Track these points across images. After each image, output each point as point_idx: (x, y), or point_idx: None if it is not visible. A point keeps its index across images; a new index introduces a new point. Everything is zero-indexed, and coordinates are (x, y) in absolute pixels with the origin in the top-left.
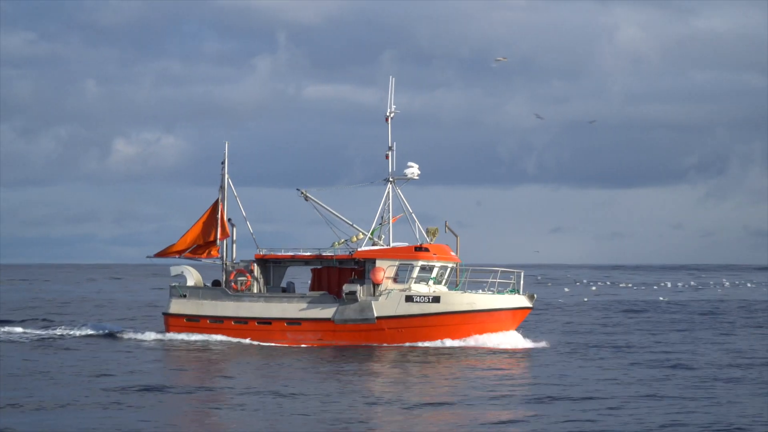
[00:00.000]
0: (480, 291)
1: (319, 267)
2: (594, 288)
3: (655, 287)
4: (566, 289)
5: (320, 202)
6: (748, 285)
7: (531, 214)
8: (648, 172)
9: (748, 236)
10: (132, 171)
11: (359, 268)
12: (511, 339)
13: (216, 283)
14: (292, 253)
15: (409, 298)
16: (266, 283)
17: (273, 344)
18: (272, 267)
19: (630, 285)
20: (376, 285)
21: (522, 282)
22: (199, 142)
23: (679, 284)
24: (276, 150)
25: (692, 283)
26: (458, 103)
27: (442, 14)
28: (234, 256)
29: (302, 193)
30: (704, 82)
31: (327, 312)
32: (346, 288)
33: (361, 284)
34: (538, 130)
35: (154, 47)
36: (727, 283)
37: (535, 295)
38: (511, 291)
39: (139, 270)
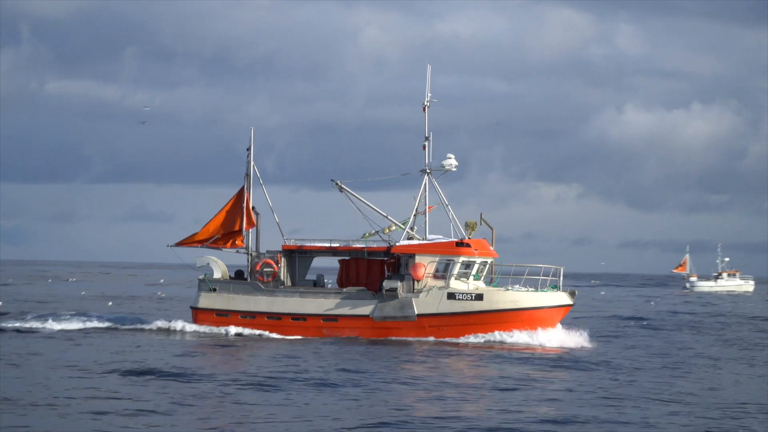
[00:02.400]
0: (520, 287)
1: (347, 258)
2: None
3: None
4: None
5: (355, 194)
6: None
7: (270, 214)
8: (389, 174)
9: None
10: None
11: (390, 260)
12: (557, 336)
13: (239, 274)
14: (323, 245)
15: (451, 296)
16: (291, 274)
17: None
18: (298, 258)
19: None
20: (415, 281)
21: (562, 278)
22: None
23: None
24: (21, 144)
25: None
26: (199, 101)
27: (184, 12)
28: (258, 246)
29: (337, 184)
30: (446, 87)
31: (365, 309)
32: (386, 284)
33: (401, 280)
34: (279, 129)
35: None
36: None
37: (576, 292)
38: (552, 287)
39: None
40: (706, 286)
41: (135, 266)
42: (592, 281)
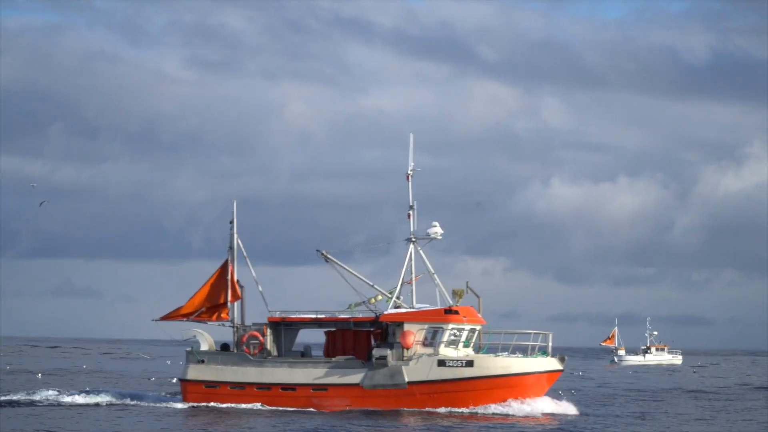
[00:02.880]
0: (507, 354)
1: (333, 330)
2: None
3: None
4: None
5: (341, 264)
6: None
7: (196, 289)
8: (313, 250)
9: None
10: None
11: (376, 330)
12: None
13: (225, 347)
14: (309, 316)
15: (441, 363)
16: (278, 346)
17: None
18: (284, 330)
19: None
20: (405, 349)
21: (551, 344)
22: None
23: None
24: None
25: None
26: (125, 177)
27: (109, 88)
28: (243, 318)
29: (323, 254)
30: (371, 160)
31: (355, 377)
32: (376, 353)
33: (390, 348)
34: (205, 205)
35: None
36: None
37: (566, 357)
38: (542, 353)
39: None
40: (634, 360)
41: (62, 341)
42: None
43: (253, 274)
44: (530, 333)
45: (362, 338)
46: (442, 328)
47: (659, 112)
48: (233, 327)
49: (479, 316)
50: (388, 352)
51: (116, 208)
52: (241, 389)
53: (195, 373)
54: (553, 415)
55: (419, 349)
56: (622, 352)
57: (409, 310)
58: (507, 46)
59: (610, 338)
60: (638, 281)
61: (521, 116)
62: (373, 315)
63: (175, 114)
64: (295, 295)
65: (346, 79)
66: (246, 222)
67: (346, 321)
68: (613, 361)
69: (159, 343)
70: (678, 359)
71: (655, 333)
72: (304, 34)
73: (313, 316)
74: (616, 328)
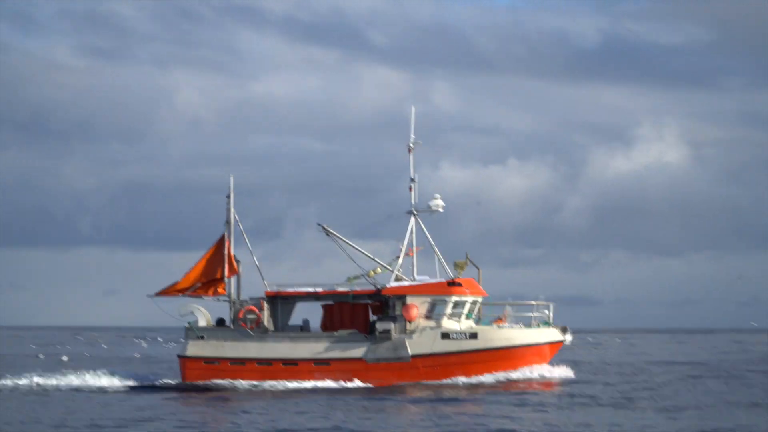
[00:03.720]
0: (509, 325)
1: (330, 303)
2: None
3: None
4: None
5: (342, 237)
6: None
7: (85, 276)
8: (204, 235)
9: None
10: None
11: (374, 303)
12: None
13: (221, 322)
14: (307, 290)
15: (445, 335)
16: (275, 320)
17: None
18: (280, 304)
19: None
20: (408, 322)
21: (552, 314)
22: None
23: None
24: None
25: None
26: (14, 164)
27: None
28: (239, 293)
29: (323, 228)
30: (262, 146)
31: (357, 351)
32: (380, 326)
33: (393, 321)
34: (94, 192)
35: None
36: None
37: (568, 328)
38: (544, 324)
39: None
40: None
41: None
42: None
43: (250, 248)
44: (532, 304)
45: (360, 312)
46: (444, 300)
47: (549, 95)
48: (230, 302)
49: (480, 287)
50: (392, 325)
51: (3, 195)
52: (242, 365)
53: (194, 349)
54: (554, 379)
55: (422, 322)
56: None
57: (410, 282)
58: (397, 30)
59: (501, 318)
60: (527, 262)
61: (411, 100)
62: (373, 288)
63: (65, 102)
64: None
65: (237, 66)
66: (136, 208)
67: (345, 294)
68: None
69: (49, 329)
70: (569, 338)
71: (547, 312)
72: (196, 22)
73: (311, 289)
74: (507, 308)
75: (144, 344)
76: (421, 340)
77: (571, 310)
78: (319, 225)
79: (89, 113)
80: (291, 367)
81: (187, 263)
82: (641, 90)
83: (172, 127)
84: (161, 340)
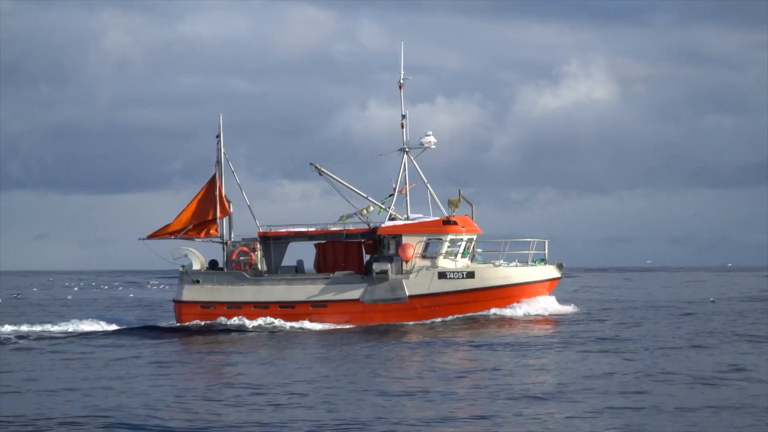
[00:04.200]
0: (503, 262)
1: (323, 242)
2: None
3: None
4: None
5: (334, 176)
6: None
7: (16, 220)
8: (134, 178)
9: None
10: None
11: (367, 242)
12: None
13: (213, 263)
14: (299, 229)
15: (441, 275)
16: (267, 261)
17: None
18: (273, 244)
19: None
20: (404, 262)
21: (547, 251)
22: None
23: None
24: None
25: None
26: None
27: None
28: (231, 234)
29: (316, 167)
30: (190, 87)
31: (355, 293)
32: (377, 267)
33: (390, 261)
34: (23, 135)
35: None
36: None
37: (564, 264)
38: (540, 261)
39: None
40: None
41: None
42: None
43: (241, 188)
44: (529, 241)
45: (353, 250)
46: (440, 239)
47: (477, 33)
48: (222, 243)
49: (475, 225)
50: (389, 266)
51: None
52: (238, 308)
53: (190, 294)
54: (554, 314)
55: (418, 262)
56: None
57: (405, 221)
58: None
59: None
60: None
61: (338, 40)
62: (367, 227)
63: None
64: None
65: (165, 6)
66: (65, 151)
67: (338, 234)
68: None
69: None
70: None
71: (479, 251)
72: None
73: (304, 229)
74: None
75: (76, 288)
76: (418, 281)
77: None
78: (311, 165)
79: (16, 55)
80: (288, 309)
81: (116, 206)
82: (568, 27)
83: (100, 69)
84: (93, 284)
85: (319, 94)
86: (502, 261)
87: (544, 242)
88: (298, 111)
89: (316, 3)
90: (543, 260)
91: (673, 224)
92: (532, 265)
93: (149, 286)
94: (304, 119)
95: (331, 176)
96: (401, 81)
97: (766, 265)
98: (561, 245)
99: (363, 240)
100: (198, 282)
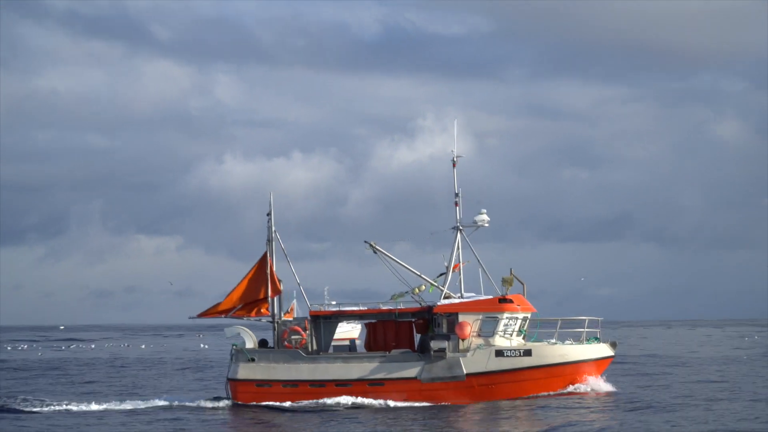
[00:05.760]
0: (556, 341)
1: (373, 321)
2: None
3: None
4: None
5: (389, 254)
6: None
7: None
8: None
9: (89, 296)
10: None
11: (417, 321)
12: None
13: (263, 343)
14: (351, 308)
15: (499, 353)
16: (318, 340)
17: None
18: (323, 323)
19: None
20: (461, 340)
21: (600, 330)
22: None
23: None
24: None
25: None
26: None
27: None
28: (281, 313)
29: (371, 245)
30: (44, 142)
31: (412, 371)
32: (434, 345)
33: (447, 339)
34: None
35: None
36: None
37: (617, 343)
38: (594, 339)
39: None
40: None
41: None
42: (199, 334)
43: (292, 268)
44: (583, 319)
45: (404, 329)
46: (497, 317)
47: (331, 87)
48: (273, 322)
49: (529, 303)
50: (446, 343)
51: None
52: (294, 387)
53: (245, 372)
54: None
55: (474, 340)
56: None
57: (460, 299)
58: (180, 24)
59: (289, 312)
60: (313, 256)
61: (194, 94)
62: (418, 305)
63: None
64: None
65: (19, 61)
66: None
67: (389, 313)
68: None
69: None
70: (357, 328)
71: (333, 303)
72: None
73: (356, 308)
74: (294, 301)
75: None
76: (475, 359)
77: (359, 300)
78: (366, 242)
79: None
80: (344, 388)
81: None
82: (423, 81)
83: None
84: None
85: (175, 148)
86: (555, 339)
87: (598, 320)
88: (154, 165)
89: (173, 58)
90: (597, 338)
91: (528, 280)
92: (586, 344)
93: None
94: (160, 174)
95: (385, 254)
96: (455, 159)
97: (615, 318)
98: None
99: (414, 319)
100: (253, 360)
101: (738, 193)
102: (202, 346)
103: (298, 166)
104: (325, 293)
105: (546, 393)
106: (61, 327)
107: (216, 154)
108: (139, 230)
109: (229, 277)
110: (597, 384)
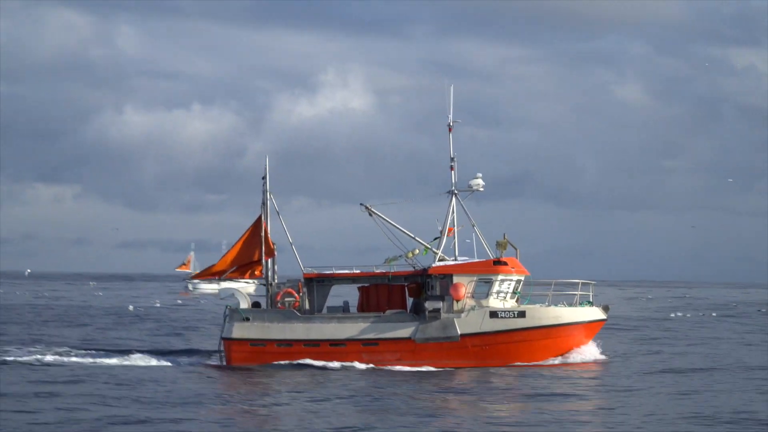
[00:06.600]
0: (549, 304)
1: (366, 285)
2: None
3: None
4: None
5: (385, 217)
6: None
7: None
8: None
9: None
10: None
11: (410, 284)
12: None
13: (256, 305)
14: (345, 272)
15: (493, 314)
16: (311, 303)
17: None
18: (317, 286)
19: None
20: (455, 301)
21: (592, 293)
22: None
23: None
24: None
25: None
26: None
27: None
28: (275, 276)
29: (366, 207)
30: None
31: (406, 331)
32: (429, 305)
33: (442, 300)
34: None
35: None
36: None
37: (609, 306)
38: (587, 303)
39: None
40: (208, 287)
41: None
42: (91, 282)
43: (286, 230)
44: (576, 282)
45: (397, 293)
46: (491, 279)
47: (234, 41)
48: (267, 284)
49: (523, 266)
50: (441, 304)
51: None
52: (288, 346)
53: (240, 331)
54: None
55: (468, 302)
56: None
57: (455, 262)
58: None
59: (185, 264)
60: (209, 208)
61: (95, 44)
62: (412, 269)
63: None
64: None
65: None
66: None
67: (383, 276)
68: (187, 288)
69: None
70: (251, 286)
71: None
72: None
73: (349, 271)
74: (192, 254)
75: None
76: (469, 319)
77: None
78: (362, 205)
79: None
80: (339, 347)
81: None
82: (326, 36)
83: None
84: None
85: (75, 97)
86: (548, 302)
87: (590, 284)
88: (53, 114)
89: (75, 7)
90: (590, 302)
91: (425, 235)
92: (579, 306)
93: None
94: (59, 122)
95: (381, 217)
96: (450, 123)
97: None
98: (312, 254)
99: (407, 283)
100: (248, 320)
101: (638, 155)
102: (98, 294)
103: (197, 117)
104: (223, 247)
105: (540, 357)
106: None
107: (116, 104)
108: (37, 178)
109: (126, 226)
110: (590, 351)
